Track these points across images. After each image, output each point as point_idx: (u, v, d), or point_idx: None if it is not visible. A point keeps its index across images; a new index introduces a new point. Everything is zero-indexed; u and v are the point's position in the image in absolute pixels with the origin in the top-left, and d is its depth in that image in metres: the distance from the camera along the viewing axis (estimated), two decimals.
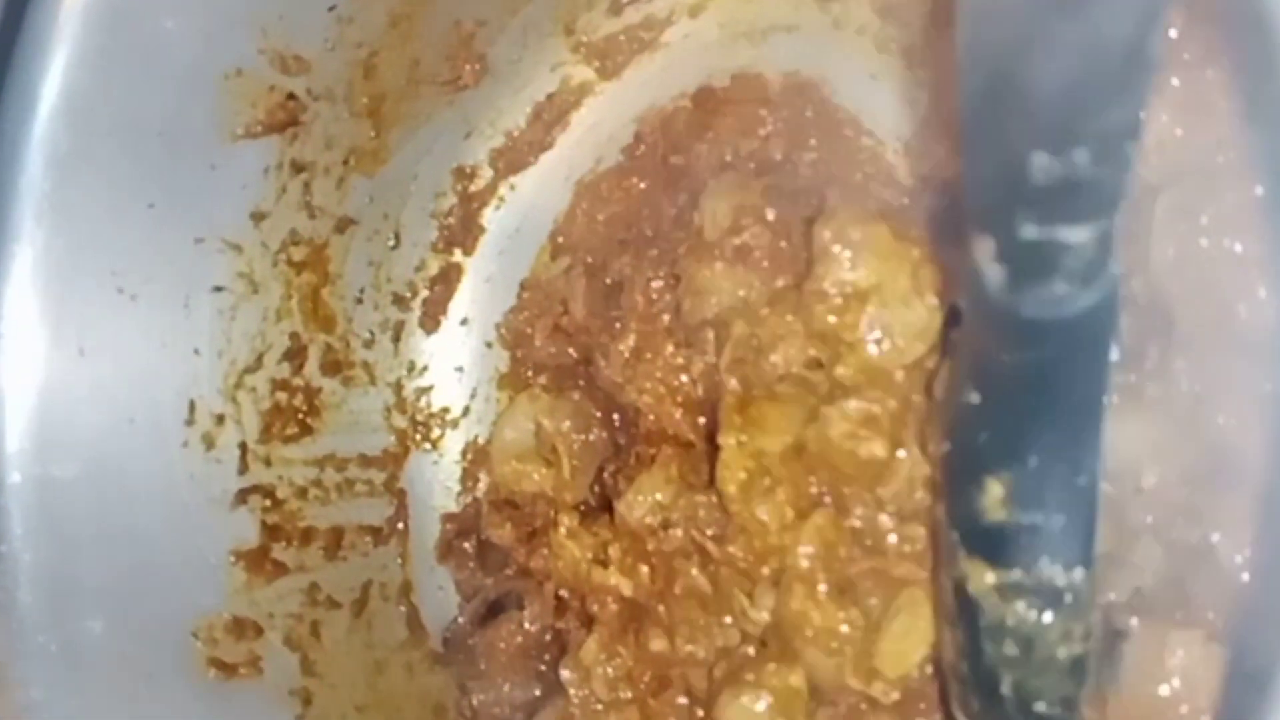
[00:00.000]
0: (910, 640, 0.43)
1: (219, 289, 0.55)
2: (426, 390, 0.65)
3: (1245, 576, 0.38)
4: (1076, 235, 0.29)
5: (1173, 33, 0.41)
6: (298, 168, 0.57)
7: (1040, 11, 0.25)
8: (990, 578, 0.37)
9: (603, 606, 0.53)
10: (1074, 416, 0.35)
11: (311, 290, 0.60)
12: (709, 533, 0.48)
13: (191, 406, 0.54)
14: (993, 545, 0.37)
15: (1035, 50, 0.25)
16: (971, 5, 0.26)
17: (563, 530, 0.55)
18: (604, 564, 0.53)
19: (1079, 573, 0.36)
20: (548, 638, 0.58)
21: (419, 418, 0.65)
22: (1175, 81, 0.41)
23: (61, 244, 0.49)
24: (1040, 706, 0.38)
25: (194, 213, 0.53)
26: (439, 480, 0.65)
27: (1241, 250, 0.37)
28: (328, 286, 0.61)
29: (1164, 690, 0.39)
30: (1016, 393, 0.36)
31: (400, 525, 0.63)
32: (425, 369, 0.65)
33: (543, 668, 0.58)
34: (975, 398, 0.37)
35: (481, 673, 0.59)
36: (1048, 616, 0.36)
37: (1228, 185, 0.38)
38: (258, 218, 0.56)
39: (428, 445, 0.65)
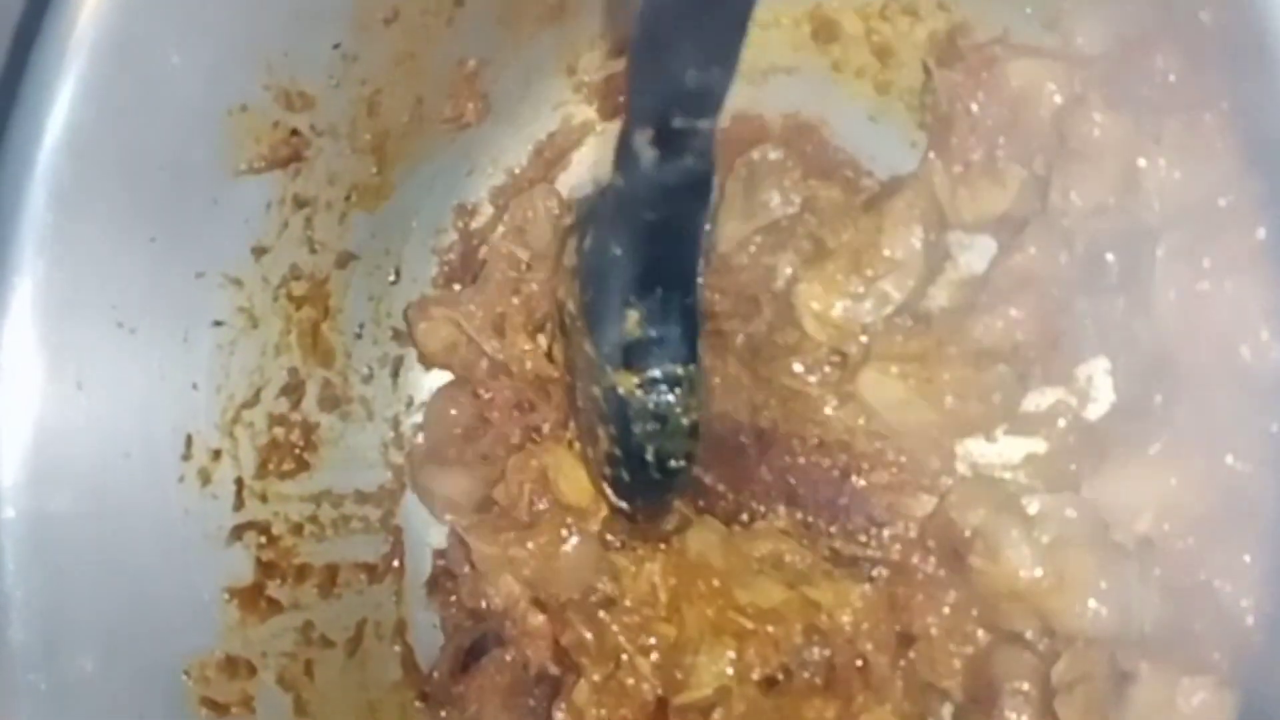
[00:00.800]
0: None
1: (219, 323, 0.55)
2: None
3: (1250, 620, 0.38)
4: (705, 124, 0.44)
5: (1171, 77, 0.42)
6: (300, 203, 0.57)
7: None
8: (634, 379, 0.51)
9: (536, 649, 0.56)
10: (688, 253, 0.50)
11: (311, 325, 0.60)
12: None
13: (188, 441, 0.54)
14: (634, 356, 0.51)
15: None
16: None
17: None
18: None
19: (692, 367, 0.52)
20: (534, 673, 0.58)
21: None
22: (1173, 125, 0.41)
23: (62, 277, 0.49)
24: (673, 463, 0.53)
25: (195, 247, 0.53)
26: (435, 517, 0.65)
27: (1243, 292, 0.37)
28: (327, 321, 0.60)
29: None
30: (651, 242, 0.49)
31: (395, 563, 0.62)
32: (424, 405, 0.65)
33: (531, 702, 0.58)
34: (618, 251, 0.50)
35: (474, 717, 0.58)
36: (674, 396, 0.52)
37: (1228, 228, 0.38)
38: (259, 252, 0.56)
39: None
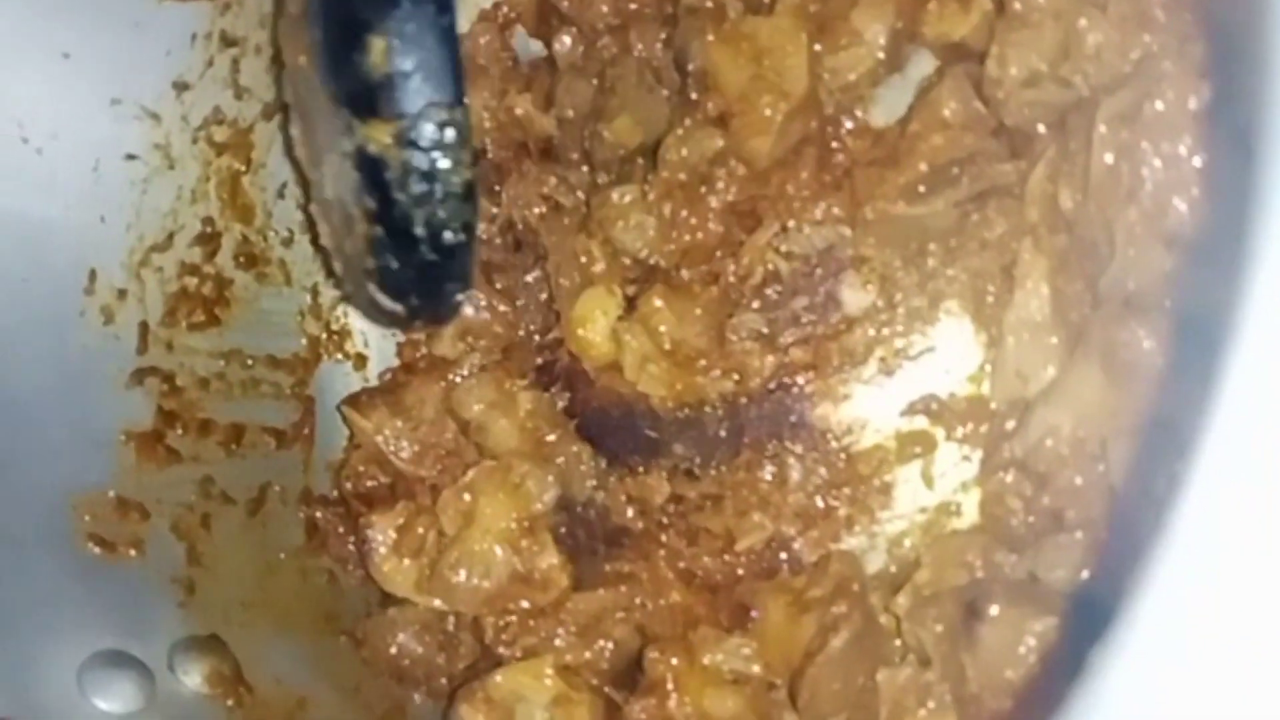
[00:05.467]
0: None
1: (132, 157, 0.53)
2: (344, 299, 0.63)
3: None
4: None
5: None
6: (228, 41, 0.54)
7: None
8: (388, 130, 0.41)
9: None
10: None
11: (231, 175, 0.57)
12: None
13: (92, 276, 0.51)
14: (384, 100, 0.41)
15: None
16: None
17: None
18: None
19: (459, 110, 0.42)
20: None
21: (334, 327, 0.63)
22: None
23: None
24: (448, 236, 0.43)
25: (112, 72, 0.51)
26: (351, 392, 0.63)
27: (1180, 151, 0.37)
28: (249, 174, 0.58)
29: (1010, 675, 0.39)
30: None
31: (306, 431, 0.60)
32: None
33: None
34: None
35: None
36: (442, 150, 0.42)
37: (1167, 91, 0.38)
38: (180, 87, 0.53)
39: (340, 356, 0.63)
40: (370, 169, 0.42)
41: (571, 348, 0.54)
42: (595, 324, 0.52)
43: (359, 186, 0.43)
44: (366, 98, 0.41)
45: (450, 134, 0.41)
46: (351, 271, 0.48)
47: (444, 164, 0.42)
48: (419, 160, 0.41)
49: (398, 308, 0.47)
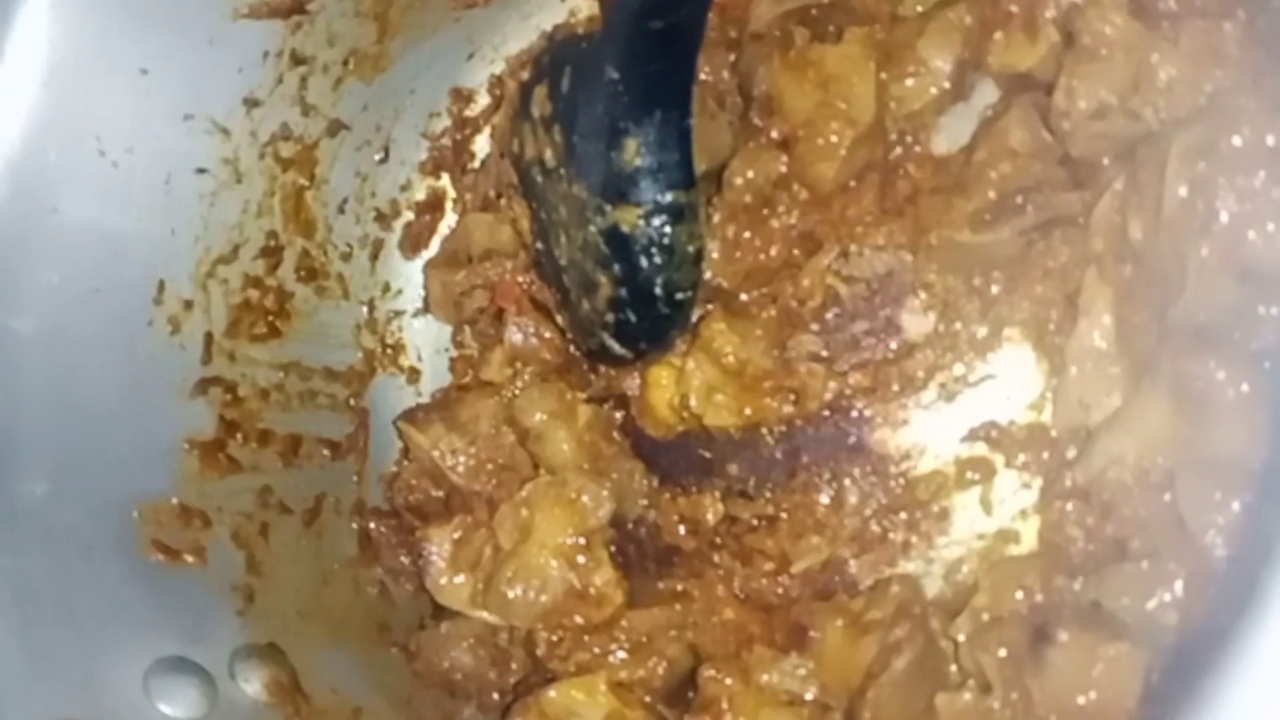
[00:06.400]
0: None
1: (202, 171, 0.54)
2: (399, 314, 0.64)
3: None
4: None
5: None
6: (297, 59, 0.55)
7: None
8: (637, 212, 0.50)
9: None
10: (687, 66, 0.49)
11: (295, 191, 0.58)
12: None
13: (160, 286, 0.52)
14: (634, 188, 0.50)
15: None
16: None
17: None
18: None
19: (694, 192, 0.51)
20: None
21: (389, 341, 0.64)
22: (1191, 30, 0.41)
23: (50, 96, 0.47)
24: (680, 295, 0.52)
25: (186, 87, 0.52)
26: (404, 406, 0.63)
27: (1255, 185, 0.37)
28: (312, 190, 0.59)
29: (1082, 700, 0.39)
30: (650, 59, 0.49)
31: (360, 443, 0.61)
32: (400, 293, 0.64)
33: None
34: (614, 74, 0.49)
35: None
36: (681, 224, 0.50)
37: (1243, 126, 0.38)
38: (250, 104, 0.54)
39: (395, 370, 0.64)
40: (620, 243, 0.51)
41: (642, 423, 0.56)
42: (661, 391, 0.54)
43: (607, 257, 0.52)
44: (618, 187, 0.50)
45: (686, 212, 0.50)
46: (587, 324, 0.55)
47: (681, 236, 0.51)
48: (661, 235, 0.50)
49: (627, 353, 0.54)
